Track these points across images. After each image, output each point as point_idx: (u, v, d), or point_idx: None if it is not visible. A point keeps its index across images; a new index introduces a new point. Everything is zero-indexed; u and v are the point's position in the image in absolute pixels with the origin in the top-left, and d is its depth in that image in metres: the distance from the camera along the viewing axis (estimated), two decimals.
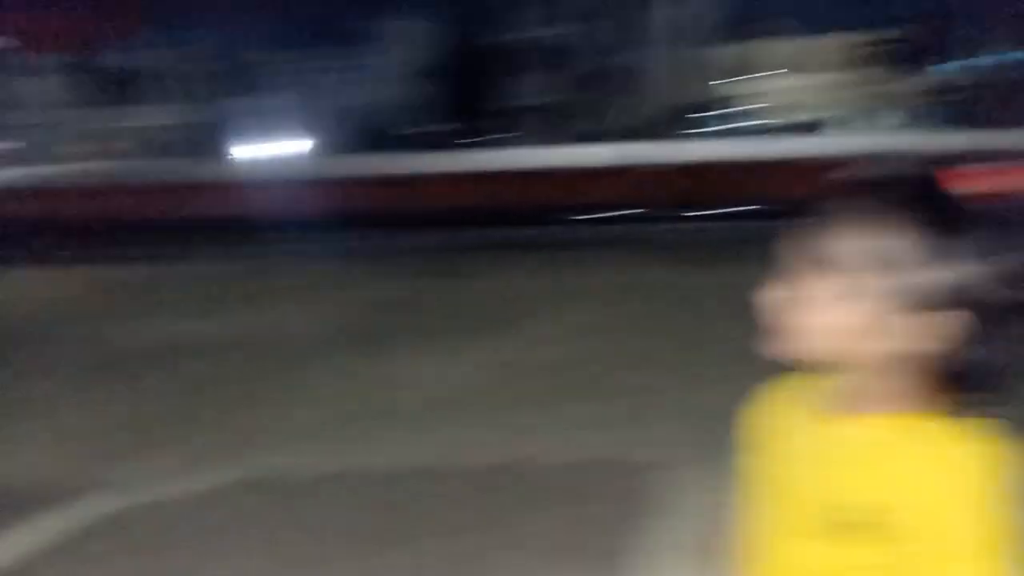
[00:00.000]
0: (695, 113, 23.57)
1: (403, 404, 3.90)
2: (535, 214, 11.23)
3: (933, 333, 0.78)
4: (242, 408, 3.95)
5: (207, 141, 26.25)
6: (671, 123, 22.59)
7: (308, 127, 25.87)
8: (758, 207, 9.75)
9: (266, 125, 24.74)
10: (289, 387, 4.27)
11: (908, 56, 28.70)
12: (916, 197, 0.76)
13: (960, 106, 16.93)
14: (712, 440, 3.22)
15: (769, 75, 34.92)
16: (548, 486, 2.98)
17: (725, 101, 23.87)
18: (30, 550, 2.65)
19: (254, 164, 18.03)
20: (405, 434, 3.54)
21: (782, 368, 0.87)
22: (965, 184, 0.82)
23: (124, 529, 2.78)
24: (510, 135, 26.53)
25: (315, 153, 20.14)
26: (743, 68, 31.93)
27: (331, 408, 3.89)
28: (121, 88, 29.84)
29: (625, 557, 2.41)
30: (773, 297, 0.82)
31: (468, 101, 29.03)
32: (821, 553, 0.77)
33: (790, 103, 26.86)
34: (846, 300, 0.78)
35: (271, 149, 21.43)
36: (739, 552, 0.99)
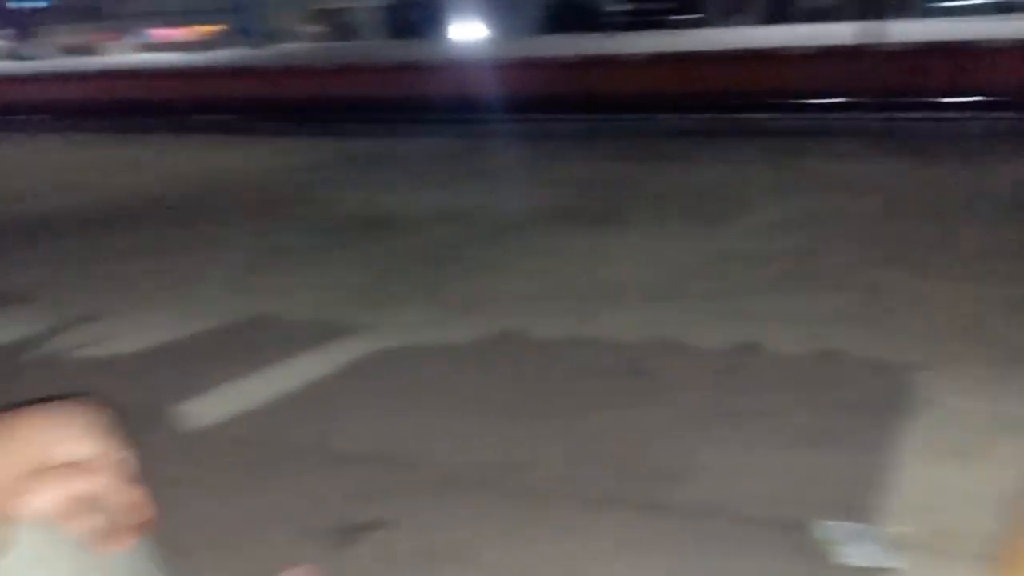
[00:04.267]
0: None
1: (623, 283, 3.94)
2: (751, 99, 10.58)
3: None
4: (476, 274, 4.17)
5: (423, 22, 26.73)
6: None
7: (519, 8, 25.65)
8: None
9: (475, 6, 24.77)
10: (513, 258, 4.44)
11: None
12: None
13: None
14: (960, 343, 3.03)
15: None
16: (784, 374, 2.92)
17: None
18: (293, 384, 2.99)
19: (467, 45, 18.24)
20: (629, 311, 3.58)
21: None
22: None
23: (379, 371, 3.08)
24: (723, 14, 24.77)
25: (526, 34, 19.97)
26: None
27: (556, 281, 4.01)
28: None
29: (868, 453, 2.33)
30: None
31: None
32: None
33: None
34: None
35: (481, 30, 21.57)
36: None
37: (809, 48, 12.72)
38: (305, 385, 2.96)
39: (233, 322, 3.64)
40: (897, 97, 9.29)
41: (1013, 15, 15.09)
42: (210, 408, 2.80)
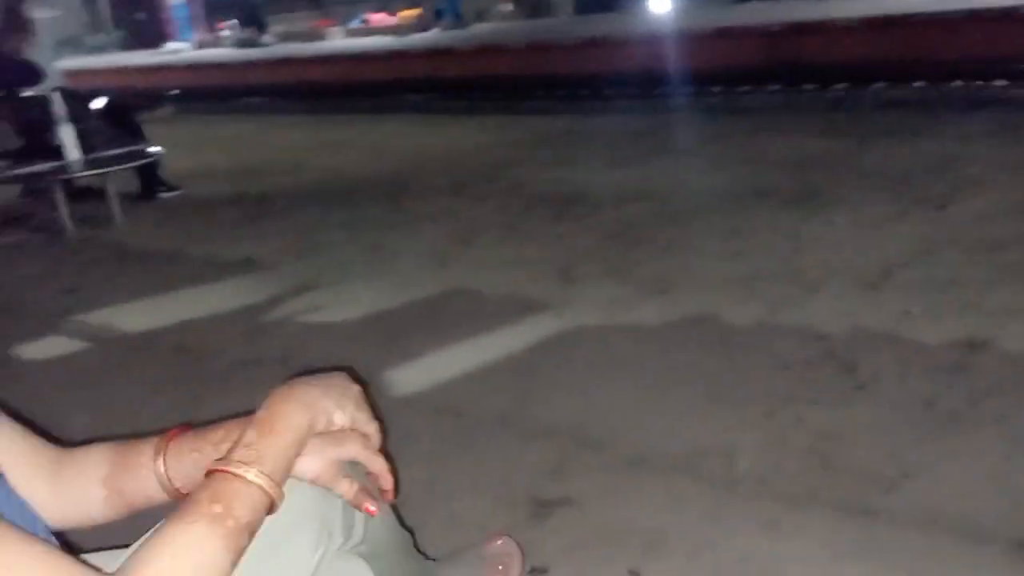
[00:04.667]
0: None
1: (827, 268, 3.70)
2: (984, 66, 9.47)
3: None
4: (669, 253, 4.11)
5: None
6: None
7: None
8: None
9: None
10: (707, 239, 4.32)
11: None
12: None
13: None
14: None
15: None
16: (1016, 376, 2.60)
17: None
18: (490, 356, 3.10)
19: (662, 16, 17.80)
20: (834, 299, 3.37)
21: None
22: None
23: (571, 347, 3.12)
24: None
25: (726, 1, 19.12)
26: None
27: (753, 264, 3.84)
28: None
29: None
30: None
31: None
32: None
33: None
34: None
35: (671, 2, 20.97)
36: None
37: None
38: (501, 358, 3.07)
39: (435, 295, 3.84)
40: None
41: None
42: (414, 376, 2.99)
